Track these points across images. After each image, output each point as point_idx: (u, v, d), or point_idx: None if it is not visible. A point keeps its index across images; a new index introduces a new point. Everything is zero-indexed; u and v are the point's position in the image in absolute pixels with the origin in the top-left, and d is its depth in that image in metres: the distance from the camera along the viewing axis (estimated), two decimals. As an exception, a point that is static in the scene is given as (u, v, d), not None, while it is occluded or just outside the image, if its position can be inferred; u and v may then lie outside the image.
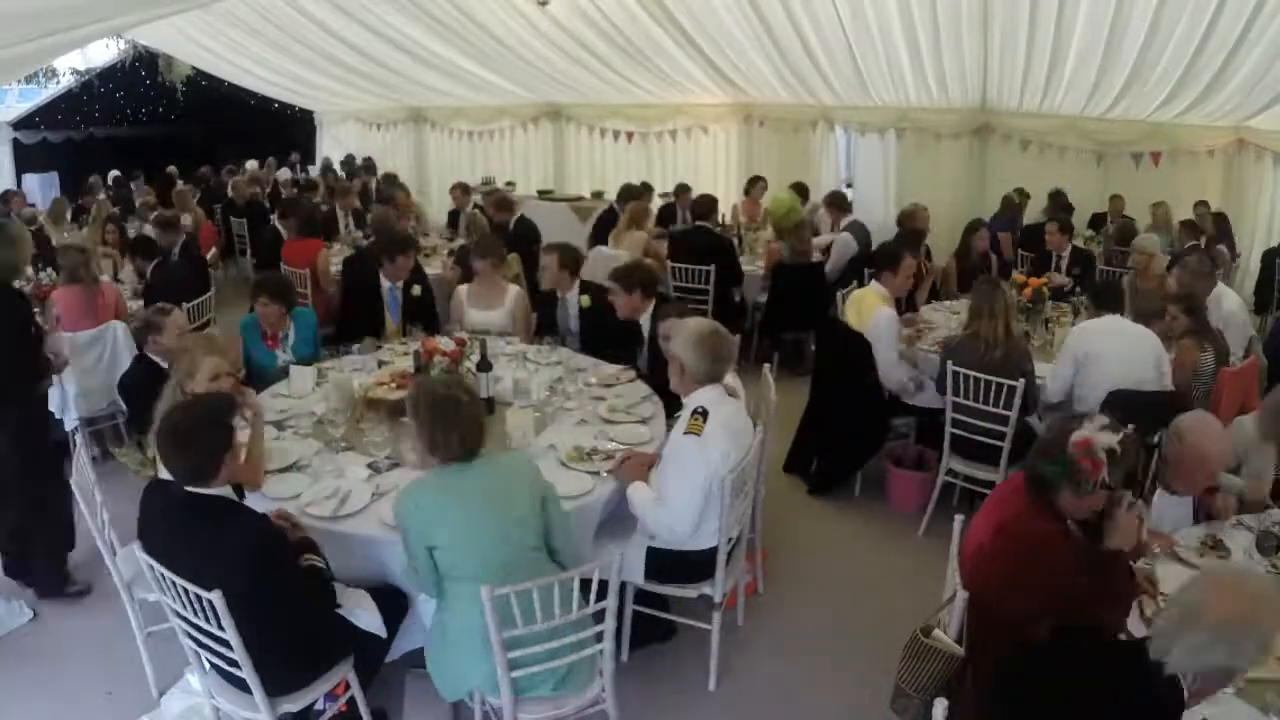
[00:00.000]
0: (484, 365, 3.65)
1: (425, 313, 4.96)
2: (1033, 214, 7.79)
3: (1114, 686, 1.74)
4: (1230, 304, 4.80)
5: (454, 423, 2.38)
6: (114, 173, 11.69)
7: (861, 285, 5.17)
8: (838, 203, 7.25)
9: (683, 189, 8.28)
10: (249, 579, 2.24)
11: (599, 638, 2.45)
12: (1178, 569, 2.54)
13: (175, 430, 2.32)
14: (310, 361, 4.13)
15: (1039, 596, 2.12)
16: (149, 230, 6.99)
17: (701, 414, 2.79)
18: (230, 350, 3.27)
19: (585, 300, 4.57)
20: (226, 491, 2.40)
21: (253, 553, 2.28)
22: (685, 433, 2.79)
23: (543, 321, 4.74)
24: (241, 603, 2.22)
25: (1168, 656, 1.70)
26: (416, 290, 5.00)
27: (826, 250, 6.72)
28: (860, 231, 6.87)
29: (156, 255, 5.88)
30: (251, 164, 12.92)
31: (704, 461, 2.76)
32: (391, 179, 9.81)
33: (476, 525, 2.37)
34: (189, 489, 2.32)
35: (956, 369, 3.93)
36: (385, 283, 4.94)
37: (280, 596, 2.32)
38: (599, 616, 2.41)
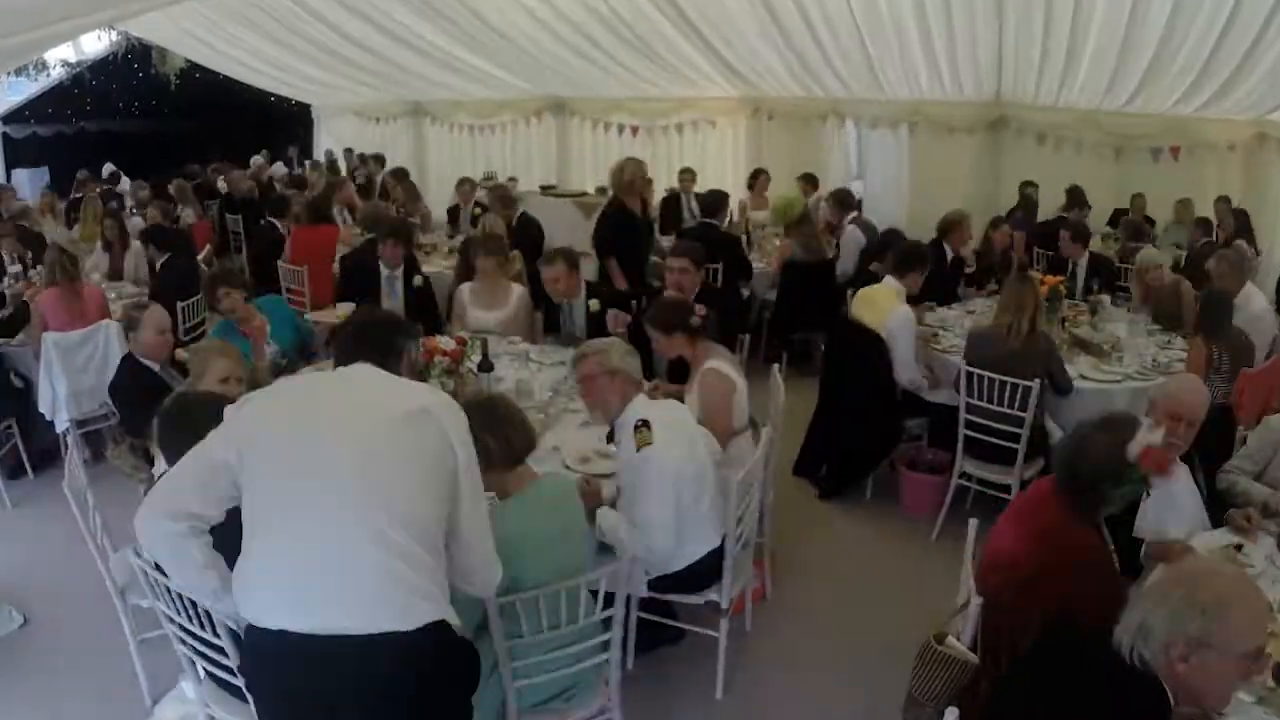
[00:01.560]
0: (485, 366, 3.59)
1: (427, 307, 4.97)
2: (1047, 209, 7.63)
3: (1100, 691, 1.72)
4: (1258, 305, 4.70)
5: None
6: (109, 167, 11.47)
7: (869, 282, 5.02)
8: (842, 201, 7.13)
9: (687, 174, 8.08)
10: None
11: (604, 647, 2.38)
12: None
13: (178, 409, 2.41)
14: (300, 345, 4.24)
15: (1078, 602, 2.06)
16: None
17: (644, 425, 2.72)
18: (239, 361, 3.32)
19: (594, 305, 4.47)
20: None
21: None
22: (637, 450, 2.70)
23: (548, 322, 4.67)
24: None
25: (1134, 635, 1.70)
26: (418, 280, 5.07)
27: (836, 246, 6.61)
28: (868, 228, 6.75)
29: (168, 249, 5.76)
30: (257, 158, 12.78)
31: (663, 471, 2.68)
32: (402, 174, 9.65)
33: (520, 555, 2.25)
34: None
35: (970, 369, 3.85)
36: (385, 270, 5.02)
37: None
38: (605, 625, 2.35)
